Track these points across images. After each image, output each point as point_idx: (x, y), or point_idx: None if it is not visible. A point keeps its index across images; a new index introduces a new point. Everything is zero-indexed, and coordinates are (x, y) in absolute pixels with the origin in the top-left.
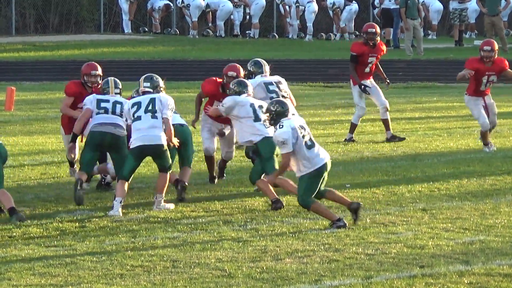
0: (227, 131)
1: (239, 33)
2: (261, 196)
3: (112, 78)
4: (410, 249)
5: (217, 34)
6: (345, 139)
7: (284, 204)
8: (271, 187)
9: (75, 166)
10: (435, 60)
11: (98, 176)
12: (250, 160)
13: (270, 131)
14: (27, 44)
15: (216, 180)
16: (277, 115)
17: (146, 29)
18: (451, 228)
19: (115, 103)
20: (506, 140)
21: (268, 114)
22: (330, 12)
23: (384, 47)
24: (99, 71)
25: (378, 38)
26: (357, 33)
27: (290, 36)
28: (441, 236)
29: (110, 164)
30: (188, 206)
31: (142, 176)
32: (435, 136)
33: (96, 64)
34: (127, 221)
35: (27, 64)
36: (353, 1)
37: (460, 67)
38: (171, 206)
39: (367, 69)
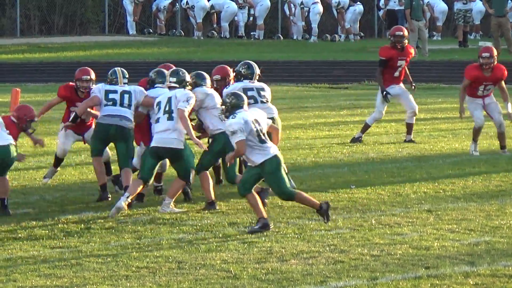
0: None
1: (243, 35)
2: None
3: (119, 68)
4: (415, 250)
5: (222, 36)
6: (354, 137)
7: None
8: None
9: (58, 168)
10: (440, 61)
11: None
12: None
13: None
14: (32, 45)
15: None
16: (232, 107)
17: (151, 31)
18: (457, 229)
19: (122, 93)
20: (511, 141)
21: (223, 106)
22: (334, 11)
23: (412, 50)
24: (92, 76)
25: (406, 41)
26: (362, 34)
27: (294, 37)
28: (447, 237)
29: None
30: (193, 207)
31: None
32: (440, 137)
33: (88, 69)
34: (133, 222)
35: (32, 65)
36: (358, 2)
37: (464, 69)
38: (178, 210)
39: (397, 73)
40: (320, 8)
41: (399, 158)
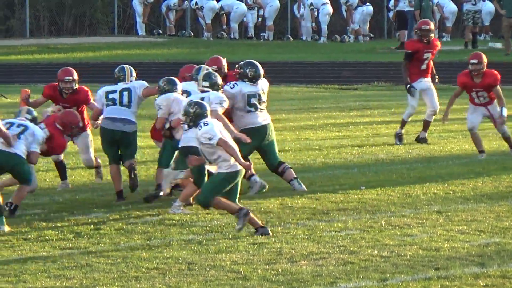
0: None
1: (253, 35)
2: (276, 198)
3: (128, 66)
4: (425, 251)
5: (231, 36)
6: (396, 132)
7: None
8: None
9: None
10: (450, 62)
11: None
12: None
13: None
14: (41, 46)
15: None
16: (196, 116)
17: (160, 32)
18: (467, 231)
19: (122, 91)
20: None
21: (186, 116)
22: (343, 11)
23: (438, 43)
24: (74, 76)
25: (433, 35)
26: (371, 35)
27: (304, 38)
28: (457, 239)
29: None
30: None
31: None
32: (450, 138)
33: (70, 69)
34: (142, 223)
35: (41, 66)
36: (367, 3)
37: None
38: (188, 212)
39: (424, 66)
40: (329, 9)
41: (409, 159)
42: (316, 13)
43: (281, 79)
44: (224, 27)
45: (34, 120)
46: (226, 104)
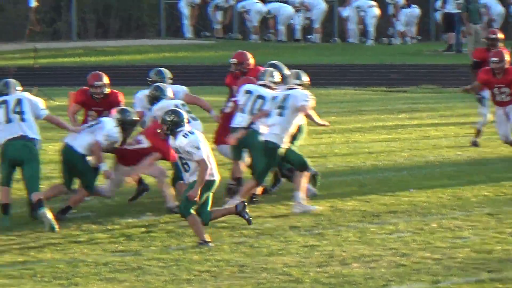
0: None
1: (300, 38)
2: (326, 201)
3: (163, 68)
4: (477, 253)
5: (278, 39)
6: (472, 140)
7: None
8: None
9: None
10: None
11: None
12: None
13: None
14: (88, 49)
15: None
16: (173, 125)
17: (208, 34)
18: None
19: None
20: None
21: (164, 125)
22: (390, 9)
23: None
24: (104, 81)
25: (501, 44)
26: (419, 37)
27: (351, 41)
28: (509, 241)
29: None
30: (255, 211)
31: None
32: (499, 140)
33: (99, 74)
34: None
35: (88, 69)
36: (414, 5)
37: None
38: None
39: None
40: (376, 11)
41: (458, 161)
42: (363, 15)
43: (329, 82)
44: (271, 31)
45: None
46: (312, 101)
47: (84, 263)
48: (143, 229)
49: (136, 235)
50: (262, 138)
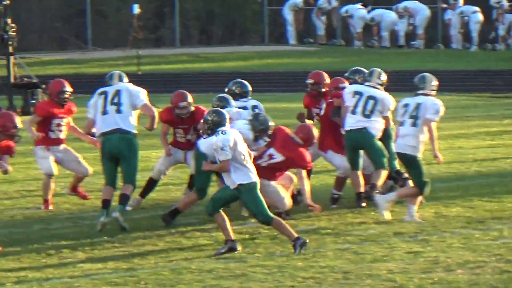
0: None
1: (404, 44)
2: (430, 207)
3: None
4: None
5: (382, 45)
6: None
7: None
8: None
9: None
10: None
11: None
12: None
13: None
14: (191, 55)
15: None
16: (214, 124)
17: (311, 40)
18: None
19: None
20: None
21: (205, 124)
22: (494, 12)
23: None
24: (189, 100)
25: None
26: None
27: (454, 46)
28: None
29: None
30: (358, 217)
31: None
32: None
33: (184, 93)
34: (297, 232)
35: (192, 75)
36: None
37: None
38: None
39: None
40: (480, 17)
41: None
42: (466, 20)
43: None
44: (375, 37)
45: None
46: (441, 114)
47: (188, 270)
48: (246, 236)
49: (240, 242)
50: (395, 150)
